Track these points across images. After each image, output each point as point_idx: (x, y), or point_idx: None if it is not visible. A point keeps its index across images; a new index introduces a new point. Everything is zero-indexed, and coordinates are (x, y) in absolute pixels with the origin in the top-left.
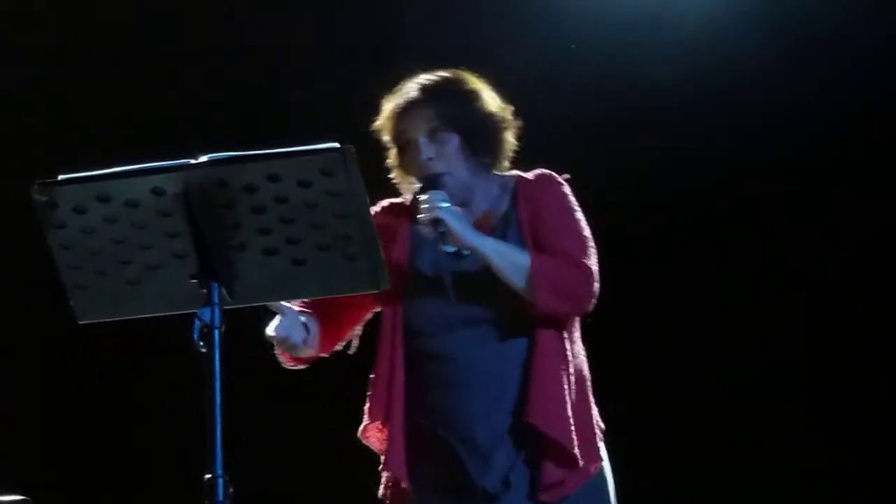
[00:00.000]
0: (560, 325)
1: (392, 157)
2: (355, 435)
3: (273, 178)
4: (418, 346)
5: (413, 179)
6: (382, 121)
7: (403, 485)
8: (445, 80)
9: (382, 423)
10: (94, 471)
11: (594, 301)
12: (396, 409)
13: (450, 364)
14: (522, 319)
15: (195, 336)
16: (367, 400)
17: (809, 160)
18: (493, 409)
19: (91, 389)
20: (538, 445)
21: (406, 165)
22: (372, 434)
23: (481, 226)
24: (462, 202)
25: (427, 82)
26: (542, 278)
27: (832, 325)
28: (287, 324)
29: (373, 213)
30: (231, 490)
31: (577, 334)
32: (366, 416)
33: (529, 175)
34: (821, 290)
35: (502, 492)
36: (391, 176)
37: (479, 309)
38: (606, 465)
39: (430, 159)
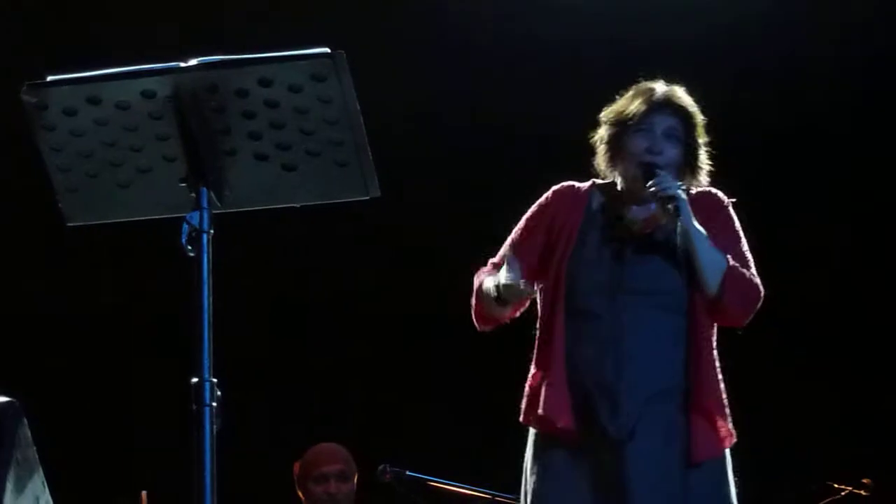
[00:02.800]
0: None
1: (610, 135)
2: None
3: (264, 83)
4: (577, 305)
5: (628, 158)
6: (628, 101)
7: (561, 425)
8: (688, 98)
9: (542, 372)
10: (81, 375)
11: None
12: (557, 361)
13: (604, 323)
14: (682, 300)
15: (183, 240)
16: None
17: None
18: (638, 368)
19: (79, 291)
20: (681, 412)
21: (627, 145)
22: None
23: (649, 222)
24: (631, 206)
25: (679, 92)
26: (734, 282)
27: None
28: (516, 274)
29: (551, 192)
30: (218, 393)
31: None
32: (532, 366)
33: (699, 188)
34: None
35: (626, 440)
36: (598, 150)
37: (643, 281)
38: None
39: (660, 153)
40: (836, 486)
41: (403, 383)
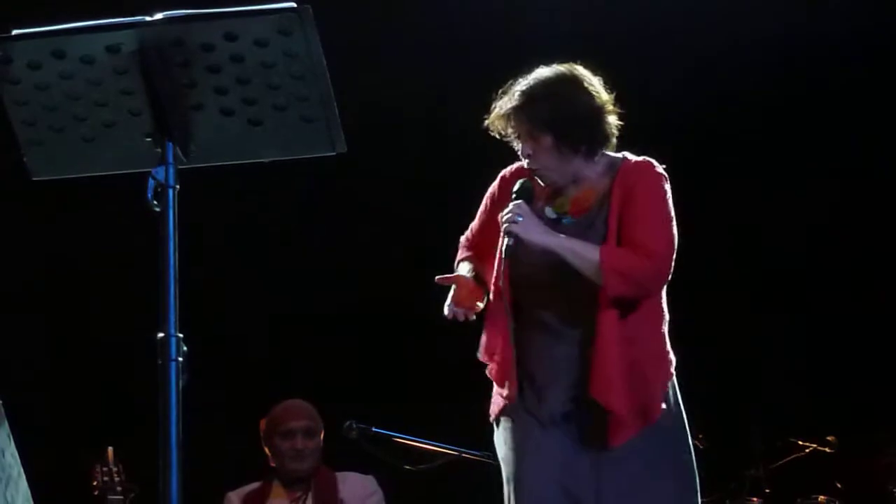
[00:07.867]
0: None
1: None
2: None
3: (230, 37)
4: (513, 297)
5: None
6: (492, 121)
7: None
8: (541, 83)
9: (491, 359)
10: (48, 335)
11: (662, 286)
12: (504, 349)
13: (525, 315)
14: (589, 288)
15: (149, 195)
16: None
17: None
18: (553, 356)
19: (41, 252)
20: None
21: (518, 156)
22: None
23: (580, 202)
24: (568, 185)
25: (525, 87)
26: (612, 271)
27: None
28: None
29: (500, 177)
30: (185, 348)
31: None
32: (482, 351)
33: (633, 160)
34: None
35: (553, 425)
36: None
37: (551, 274)
38: (675, 407)
39: (528, 156)
40: (800, 442)
41: (371, 339)
